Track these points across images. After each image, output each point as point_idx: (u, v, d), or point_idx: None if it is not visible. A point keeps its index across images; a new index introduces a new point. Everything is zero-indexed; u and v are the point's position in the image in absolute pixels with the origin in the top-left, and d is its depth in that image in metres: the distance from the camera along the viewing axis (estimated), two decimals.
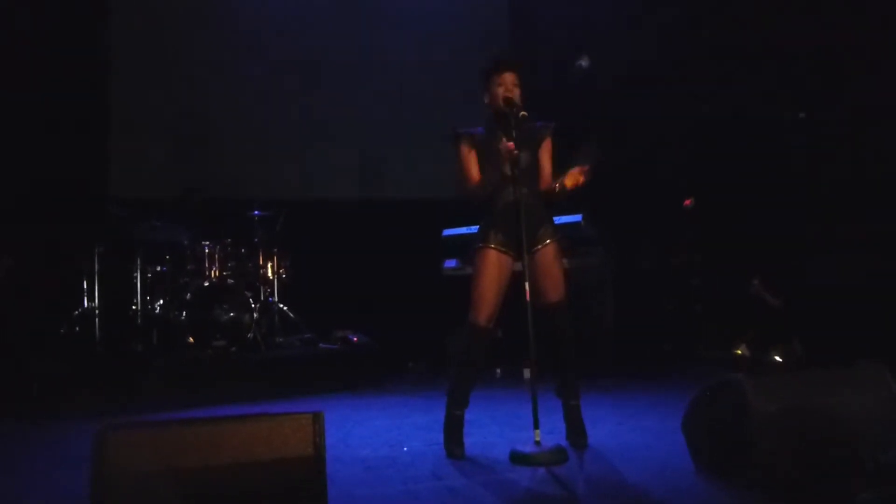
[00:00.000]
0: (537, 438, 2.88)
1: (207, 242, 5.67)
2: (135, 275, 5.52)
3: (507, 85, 3.23)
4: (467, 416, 3.25)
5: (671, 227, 6.48)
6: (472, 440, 3.28)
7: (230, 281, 5.62)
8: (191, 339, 5.29)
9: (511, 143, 3.09)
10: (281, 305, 6.01)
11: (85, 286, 5.57)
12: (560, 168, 3.27)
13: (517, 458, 2.90)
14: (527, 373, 5.22)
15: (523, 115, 3.14)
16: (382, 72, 7.32)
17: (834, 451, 2.48)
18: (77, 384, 4.68)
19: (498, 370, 5.72)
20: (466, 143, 3.29)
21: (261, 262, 5.94)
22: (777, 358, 5.51)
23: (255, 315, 5.46)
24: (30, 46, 6.14)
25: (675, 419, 2.92)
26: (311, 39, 7.22)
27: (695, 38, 6.49)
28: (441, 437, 3.24)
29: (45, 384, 4.65)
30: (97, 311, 5.48)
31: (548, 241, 3.23)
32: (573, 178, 3.14)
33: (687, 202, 6.31)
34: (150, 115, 6.78)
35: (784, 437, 2.46)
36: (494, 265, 3.19)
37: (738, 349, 5.77)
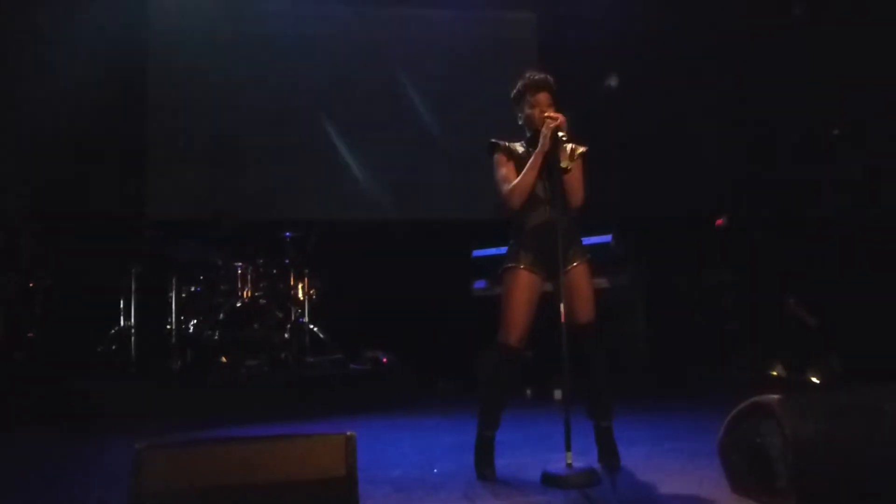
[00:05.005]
0: (569, 460, 2.86)
1: (240, 263, 5.75)
2: (170, 295, 5.61)
3: (542, 105, 3.23)
4: (498, 437, 3.24)
5: (703, 245, 6.42)
6: (504, 462, 3.26)
7: (262, 301, 5.68)
8: (224, 359, 5.36)
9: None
10: (311, 326, 6.05)
11: (121, 305, 5.69)
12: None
13: (549, 480, 2.88)
14: (557, 393, 5.18)
15: (563, 137, 3.14)
16: (411, 94, 7.39)
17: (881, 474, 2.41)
18: (113, 402, 4.76)
19: (528, 391, 5.69)
20: (503, 152, 3.29)
21: (292, 283, 6.00)
22: (814, 378, 5.40)
23: (286, 335, 5.52)
24: (68, 76, 6.31)
25: (710, 441, 2.87)
26: (341, 62, 7.32)
27: (726, 54, 6.47)
28: (472, 459, 3.23)
29: (82, 401, 4.74)
30: (133, 330, 5.58)
31: (578, 262, 3.23)
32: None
33: (719, 221, 6.25)
34: (183, 140, 6.91)
35: (822, 458, 2.41)
36: (525, 286, 3.18)
37: (773, 370, 5.68)
